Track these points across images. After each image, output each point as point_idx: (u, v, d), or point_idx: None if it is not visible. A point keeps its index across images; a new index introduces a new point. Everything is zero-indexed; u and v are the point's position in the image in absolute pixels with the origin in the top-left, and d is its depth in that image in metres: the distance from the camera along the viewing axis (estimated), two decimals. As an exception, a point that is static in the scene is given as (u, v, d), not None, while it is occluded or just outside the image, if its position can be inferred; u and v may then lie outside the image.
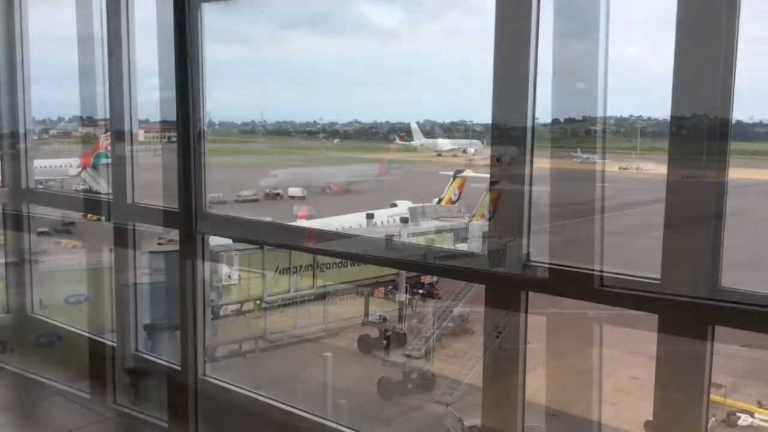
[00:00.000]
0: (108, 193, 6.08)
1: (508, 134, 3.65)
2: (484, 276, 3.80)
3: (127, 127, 5.72)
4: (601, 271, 3.48)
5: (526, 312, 3.75)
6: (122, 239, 5.84)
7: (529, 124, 3.61)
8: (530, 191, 3.62)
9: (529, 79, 3.59)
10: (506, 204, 3.68)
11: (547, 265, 3.63)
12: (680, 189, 3.13)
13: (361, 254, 4.87)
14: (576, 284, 3.57)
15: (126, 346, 5.94)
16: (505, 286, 3.73)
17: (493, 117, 3.67)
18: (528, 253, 3.70)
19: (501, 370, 3.80)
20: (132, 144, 5.79)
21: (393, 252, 4.57)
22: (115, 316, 5.98)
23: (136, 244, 5.89)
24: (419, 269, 4.94)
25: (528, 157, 3.61)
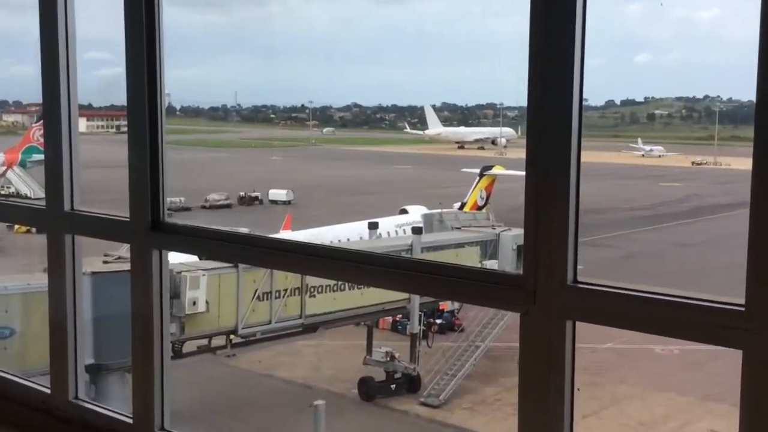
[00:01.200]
0: (41, 198, 6.11)
1: (548, 120, 3.62)
2: (519, 301, 3.79)
3: (64, 114, 5.74)
4: (666, 295, 3.47)
5: (573, 347, 3.74)
6: (58, 257, 5.85)
7: (575, 107, 3.59)
8: (577, 196, 3.60)
9: (575, 49, 3.57)
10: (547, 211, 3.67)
11: (598, 288, 3.62)
12: (769, 189, 3.11)
13: (361, 275, 4.86)
14: (632, 312, 3.55)
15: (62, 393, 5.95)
16: (546, 314, 3.71)
17: (529, 99, 3.65)
18: (575, 272, 3.68)
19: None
20: (71, 135, 5.81)
21: (402, 271, 4.55)
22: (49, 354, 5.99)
23: (76, 263, 5.90)
24: (436, 293, 4.94)
25: (574, 151, 3.59)
